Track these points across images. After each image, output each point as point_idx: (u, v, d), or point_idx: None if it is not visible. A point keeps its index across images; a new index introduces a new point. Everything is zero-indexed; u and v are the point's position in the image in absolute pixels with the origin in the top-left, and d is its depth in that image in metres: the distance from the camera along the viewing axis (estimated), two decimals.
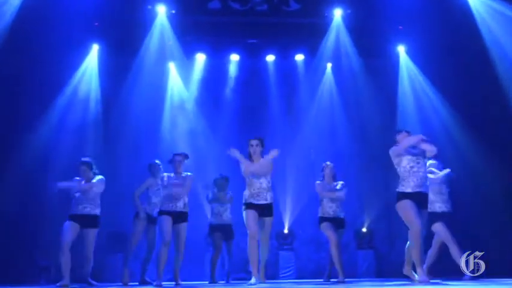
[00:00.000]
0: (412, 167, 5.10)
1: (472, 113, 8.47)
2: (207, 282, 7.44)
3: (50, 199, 7.46)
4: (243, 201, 5.64)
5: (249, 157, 5.67)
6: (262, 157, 5.66)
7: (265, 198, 5.59)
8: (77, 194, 6.01)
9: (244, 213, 5.59)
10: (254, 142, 5.69)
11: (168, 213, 5.89)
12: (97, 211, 6.11)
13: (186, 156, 6.14)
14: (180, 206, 5.94)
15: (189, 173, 6.11)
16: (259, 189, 5.58)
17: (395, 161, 5.22)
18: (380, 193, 8.99)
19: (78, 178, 6.07)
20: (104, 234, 8.39)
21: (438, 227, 6.08)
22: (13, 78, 7.71)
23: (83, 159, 6.19)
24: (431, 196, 5.74)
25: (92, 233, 6.08)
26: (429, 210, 5.50)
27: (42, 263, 8.12)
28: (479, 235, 7.12)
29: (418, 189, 5.08)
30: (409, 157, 5.15)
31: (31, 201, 8.03)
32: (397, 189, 5.18)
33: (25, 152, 7.82)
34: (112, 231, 8.58)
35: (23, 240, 7.94)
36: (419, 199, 5.10)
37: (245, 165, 5.57)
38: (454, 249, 5.93)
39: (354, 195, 7.44)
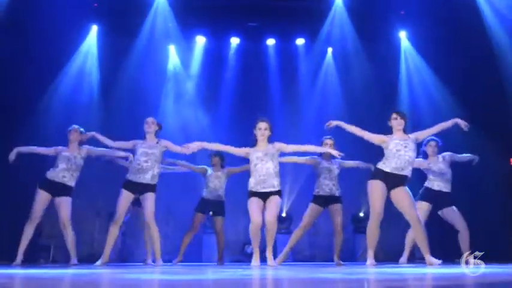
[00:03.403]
0: (398, 150, 5.08)
1: (472, 98, 8.44)
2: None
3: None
4: (249, 189, 5.12)
5: (254, 141, 5.16)
6: (270, 143, 5.14)
7: (273, 185, 5.03)
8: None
9: (248, 202, 5.08)
10: (263, 125, 5.11)
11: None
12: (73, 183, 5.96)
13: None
14: (147, 178, 5.63)
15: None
16: (265, 176, 5.03)
17: (383, 145, 5.23)
18: None
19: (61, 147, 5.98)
20: (104, 214, 8.45)
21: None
22: (13, 57, 7.67)
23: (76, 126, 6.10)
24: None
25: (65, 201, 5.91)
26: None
27: (42, 243, 8.17)
28: (476, 219, 7.14)
29: (396, 172, 5.03)
30: (397, 141, 5.13)
31: (31, 179, 8.05)
32: (377, 165, 5.15)
33: (25, 130, 7.82)
34: (112, 211, 8.60)
35: (22, 220, 7.98)
36: (395, 180, 5.05)
37: (248, 152, 5.11)
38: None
39: (351, 179, 7.42)
